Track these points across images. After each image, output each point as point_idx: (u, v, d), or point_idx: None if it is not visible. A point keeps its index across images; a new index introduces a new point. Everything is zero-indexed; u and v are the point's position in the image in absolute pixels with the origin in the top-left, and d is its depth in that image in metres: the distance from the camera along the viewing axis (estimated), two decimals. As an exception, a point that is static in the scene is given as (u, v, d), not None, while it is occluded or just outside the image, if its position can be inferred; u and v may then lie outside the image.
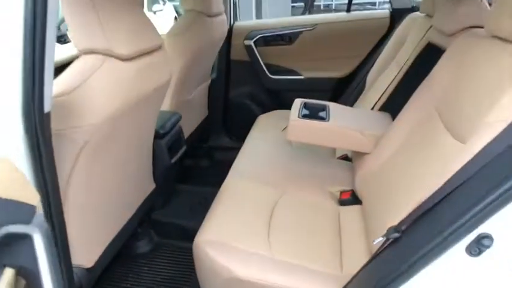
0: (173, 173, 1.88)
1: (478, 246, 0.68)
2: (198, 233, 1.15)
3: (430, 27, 1.63)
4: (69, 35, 0.99)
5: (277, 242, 1.13)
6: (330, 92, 2.37)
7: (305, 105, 1.59)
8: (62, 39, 2.57)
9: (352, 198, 1.40)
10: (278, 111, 2.18)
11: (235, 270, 1.02)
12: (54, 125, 0.76)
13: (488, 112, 0.81)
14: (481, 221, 0.67)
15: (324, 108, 1.59)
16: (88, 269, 1.16)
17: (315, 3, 12.42)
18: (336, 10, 11.30)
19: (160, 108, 1.42)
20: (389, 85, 1.75)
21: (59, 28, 2.58)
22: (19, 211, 0.51)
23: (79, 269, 1.12)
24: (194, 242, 1.13)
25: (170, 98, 1.76)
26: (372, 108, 1.79)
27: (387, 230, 0.89)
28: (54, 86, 0.85)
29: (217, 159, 2.43)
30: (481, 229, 0.68)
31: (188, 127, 2.03)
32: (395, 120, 1.34)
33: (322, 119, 1.50)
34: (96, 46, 0.97)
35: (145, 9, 1.78)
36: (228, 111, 2.52)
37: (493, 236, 0.67)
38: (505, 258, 0.68)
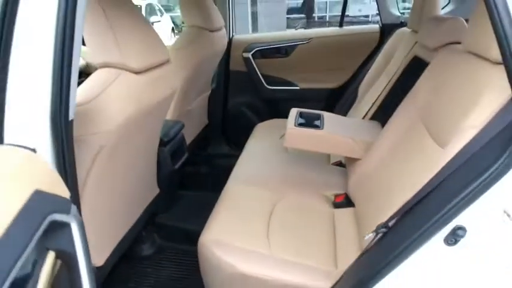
0: (176, 178, 1.96)
1: (454, 237, 0.78)
2: (203, 233, 1.23)
3: (416, 42, 1.75)
4: (87, 50, 1.09)
5: (276, 241, 1.21)
6: (324, 102, 2.47)
7: (301, 115, 1.68)
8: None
9: (345, 201, 1.48)
10: (275, 120, 2.26)
11: (238, 266, 1.10)
12: (75, 132, 0.85)
13: (463, 120, 0.91)
14: (455, 214, 0.77)
15: (318, 117, 1.68)
16: (98, 268, 1.24)
17: (305, 15, 12.70)
18: (330, 22, 11.53)
19: (165, 118, 1.51)
20: (379, 96, 1.85)
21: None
22: (60, 203, 0.60)
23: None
24: (199, 241, 1.21)
25: (173, 107, 1.84)
26: (364, 117, 1.89)
27: (376, 227, 0.99)
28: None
29: (216, 166, 2.51)
30: (456, 221, 0.77)
31: (189, 135, 2.11)
32: (384, 128, 1.44)
33: (317, 127, 1.59)
34: (112, 61, 1.06)
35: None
36: (227, 120, 2.61)
37: (466, 227, 0.77)
38: (477, 246, 0.77)
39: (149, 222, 1.75)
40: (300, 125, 1.60)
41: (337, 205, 1.48)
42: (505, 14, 0.69)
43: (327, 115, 1.73)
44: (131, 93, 1.10)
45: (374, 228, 1.00)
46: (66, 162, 0.81)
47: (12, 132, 0.70)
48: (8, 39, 0.68)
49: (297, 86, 2.54)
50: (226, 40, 2.35)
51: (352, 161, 1.55)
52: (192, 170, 2.41)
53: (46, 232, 0.55)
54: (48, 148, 0.78)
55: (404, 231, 0.86)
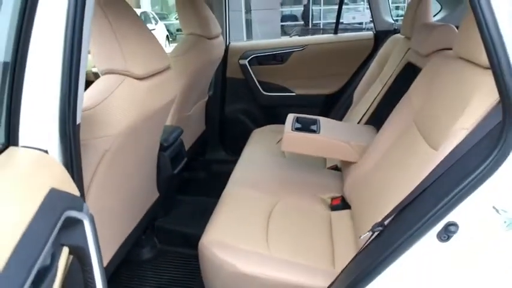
0: (175, 183, 1.99)
1: (447, 233, 0.82)
2: (204, 235, 1.26)
3: (409, 48, 1.80)
4: (91, 57, 1.12)
5: (275, 242, 1.24)
6: (320, 107, 2.51)
7: (297, 120, 1.72)
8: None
9: (342, 204, 1.51)
10: (272, 126, 2.29)
11: (239, 266, 1.13)
12: (81, 136, 0.88)
13: (454, 122, 0.95)
14: (447, 211, 0.81)
15: (314, 122, 1.72)
16: None
17: (302, 22, 12.85)
18: (324, 29, 11.65)
19: (165, 123, 1.54)
20: (373, 101, 1.90)
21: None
22: (73, 200, 0.63)
23: None
24: (200, 242, 1.24)
25: (172, 113, 1.87)
26: (359, 122, 1.94)
27: (372, 226, 1.02)
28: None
29: (214, 172, 2.53)
30: (448, 218, 0.81)
31: (187, 141, 2.14)
32: (379, 132, 1.48)
33: (313, 131, 1.63)
34: (116, 67, 1.10)
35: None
36: (224, 126, 2.64)
37: (458, 223, 0.81)
38: (468, 241, 0.81)
39: (148, 226, 1.77)
40: (297, 129, 1.64)
41: (333, 208, 1.51)
42: (492, 23, 0.74)
43: (323, 120, 1.77)
44: (134, 98, 1.14)
45: (370, 228, 1.03)
46: (74, 165, 0.83)
47: (25, 135, 0.73)
48: (25, 50, 0.71)
49: (293, 92, 2.58)
50: (223, 47, 2.39)
51: (348, 164, 1.59)
52: (189, 176, 2.44)
53: (60, 229, 0.58)
54: (57, 151, 0.81)
55: (399, 228, 0.90)
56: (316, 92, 2.55)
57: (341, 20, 2.68)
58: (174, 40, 11.54)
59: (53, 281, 0.54)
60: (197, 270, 1.30)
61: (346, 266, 1.06)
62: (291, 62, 2.55)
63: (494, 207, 0.77)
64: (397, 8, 8.02)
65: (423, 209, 0.85)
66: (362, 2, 12.13)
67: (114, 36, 1.06)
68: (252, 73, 2.54)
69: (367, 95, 2.07)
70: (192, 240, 1.33)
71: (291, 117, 1.75)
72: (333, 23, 2.72)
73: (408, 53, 1.80)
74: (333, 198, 1.57)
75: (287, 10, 13.57)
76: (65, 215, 0.58)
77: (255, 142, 2.08)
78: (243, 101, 2.62)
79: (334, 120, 1.90)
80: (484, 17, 0.74)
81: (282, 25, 11.86)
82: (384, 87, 1.88)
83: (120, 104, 1.08)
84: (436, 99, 1.16)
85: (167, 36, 11.28)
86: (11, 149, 0.70)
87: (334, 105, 2.45)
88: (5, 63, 0.71)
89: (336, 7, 2.67)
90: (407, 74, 1.67)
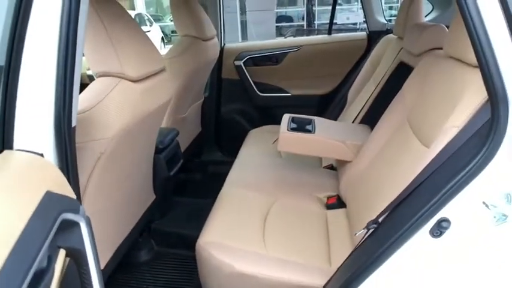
0: (171, 184, 1.99)
1: (439, 229, 0.83)
2: (201, 235, 1.27)
3: (402, 48, 1.82)
4: (86, 60, 1.13)
5: (271, 241, 1.25)
6: (315, 107, 2.53)
7: (293, 120, 1.74)
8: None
9: (337, 203, 1.53)
10: (267, 126, 2.31)
11: (236, 265, 1.14)
12: (77, 138, 0.88)
13: (445, 120, 0.97)
14: (439, 207, 0.82)
15: (310, 122, 1.74)
16: None
17: (298, 23, 12.89)
18: (318, 30, 11.69)
19: (160, 125, 1.54)
20: (367, 100, 1.92)
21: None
22: (69, 203, 0.64)
23: None
24: (197, 243, 1.24)
25: (167, 115, 1.88)
26: (353, 121, 1.96)
27: (367, 223, 1.03)
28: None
29: (210, 173, 2.54)
30: (440, 214, 0.82)
31: (183, 143, 2.15)
32: (373, 131, 1.50)
33: (308, 131, 1.65)
34: (111, 70, 1.10)
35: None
36: (220, 127, 2.65)
37: (450, 219, 0.82)
38: (460, 236, 0.83)
39: (145, 229, 1.77)
40: (293, 129, 1.65)
41: (329, 207, 1.53)
42: (479, 24, 0.75)
43: (318, 120, 1.78)
44: (129, 101, 1.14)
45: (365, 225, 1.05)
46: (69, 168, 0.84)
47: (20, 138, 0.73)
48: (19, 52, 0.72)
49: (288, 92, 2.60)
50: (218, 49, 2.40)
51: (343, 163, 1.60)
52: (185, 177, 2.44)
53: (57, 231, 0.59)
54: (52, 154, 0.82)
55: (393, 225, 0.91)
56: (311, 92, 2.57)
57: (335, 21, 2.70)
58: (169, 42, 11.54)
59: (49, 283, 0.55)
60: (194, 271, 1.30)
61: (342, 263, 1.07)
62: (286, 62, 2.57)
63: (484, 203, 0.79)
64: (390, 8, 8.06)
65: (416, 206, 0.86)
66: (356, 3, 12.18)
67: (109, 38, 1.07)
68: (247, 74, 2.55)
69: (361, 94, 2.09)
70: (189, 242, 1.34)
71: (286, 117, 1.77)
72: (326, 23, 2.74)
73: (401, 52, 1.82)
74: (328, 197, 1.58)
75: (282, 11, 13.60)
76: (61, 218, 0.59)
77: (251, 143, 2.09)
78: (239, 102, 2.64)
79: (329, 120, 1.91)
80: (471, 17, 0.75)
81: (276, 26, 11.90)
82: (377, 87, 1.90)
83: (115, 106, 1.09)
84: (428, 97, 1.18)
85: (162, 38, 11.28)
86: (6, 152, 0.70)
87: (329, 105, 2.46)
88: (-1, 67, 0.72)
89: (330, 8, 2.69)
90: (400, 74, 1.68)
